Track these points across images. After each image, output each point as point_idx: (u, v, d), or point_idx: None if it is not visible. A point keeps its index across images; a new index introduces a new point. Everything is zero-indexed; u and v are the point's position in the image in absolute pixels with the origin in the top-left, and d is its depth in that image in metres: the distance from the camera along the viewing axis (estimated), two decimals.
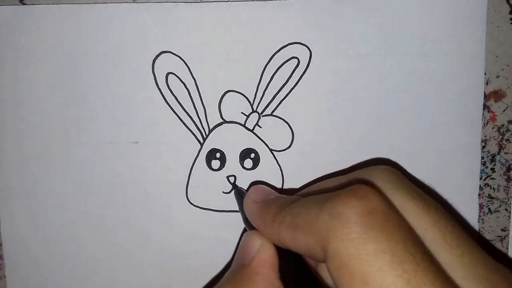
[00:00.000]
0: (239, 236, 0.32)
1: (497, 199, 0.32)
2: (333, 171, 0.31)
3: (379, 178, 0.22)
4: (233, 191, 0.31)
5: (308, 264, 0.22)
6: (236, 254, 0.24)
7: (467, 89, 0.31)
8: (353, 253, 0.17)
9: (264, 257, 0.22)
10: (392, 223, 0.18)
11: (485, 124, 0.31)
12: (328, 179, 0.26)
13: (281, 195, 0.25)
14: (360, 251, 0.17)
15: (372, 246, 0.17)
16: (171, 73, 0.30)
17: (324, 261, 0.19)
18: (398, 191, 0.21)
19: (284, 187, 0.31)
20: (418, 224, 0.20)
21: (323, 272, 0.23)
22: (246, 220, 0.26)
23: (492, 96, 0.31)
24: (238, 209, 0.32)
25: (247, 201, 0.25)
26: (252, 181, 0.31)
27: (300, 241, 0.20)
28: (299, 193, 0.27)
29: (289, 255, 0.22)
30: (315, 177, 0.31)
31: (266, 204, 0.23)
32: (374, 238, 0.17)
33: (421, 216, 0.20)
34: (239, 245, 0.24)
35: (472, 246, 0.20)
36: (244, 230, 0.27)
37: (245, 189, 0.31)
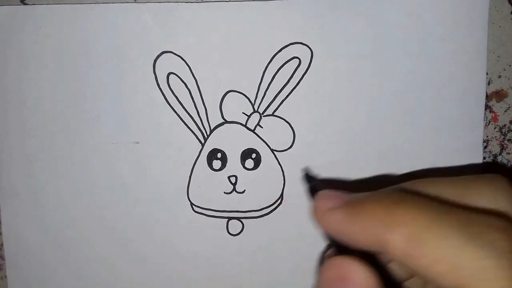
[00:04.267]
0: (239, 236, 0.32)
1: None
2: (334, 171, 0.31)
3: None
4: (307, 187, 0.24)
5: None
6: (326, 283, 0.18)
7: (468, 89, 0.31)
8: None
9: None
10: None
11: (487, 124, 0.31)
12: (437, 179, 0.21)
13: (367, 192, 0.20)
14: None
15: None
16: (172, 73, 0.30)
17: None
18: None
19: (285, 188, 0.31)
20: None
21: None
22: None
23: (494, 96, 0.31)
24: (239, 210, 0.32)
25: (319, 212, 0.19)
26: (253, 181, 0.31)
27: (425, 262, 0.16)
28: (382, 191, 0.20)
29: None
30: (317, 177, 0.31)
31: (358, 206, 0.18)
32: None
33: None
34: (331, 275, 0.18)
35: None
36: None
37: (244, 190, 0.31)
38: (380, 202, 0.18)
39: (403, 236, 0.16)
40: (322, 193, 0.20)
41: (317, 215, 0.20)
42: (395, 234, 0.17)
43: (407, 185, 0.21)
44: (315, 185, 0.24)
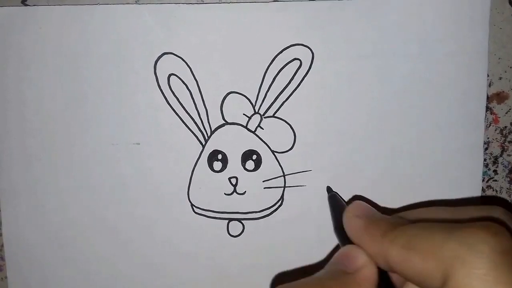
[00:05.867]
0: (239, 237, 0.32)
1: None
2: (335, 171, 0.31)
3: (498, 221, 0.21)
4: (328, 195, 0.28)
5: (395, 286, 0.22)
6: (336, 259, 0.23)
7: (469, 91, 0.31)
8: None
9: (368, 274, 0.21)
10: None
11: (488, 126, 0.31)
12: (437, 207, 0.25)
13: (386, 215, 0.24)
14: None
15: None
16: (173, 74, 0.30)
17: None
18: None
19: (285, 189, 0.31)
20: None
21: None
22: (338, 230, 0.25)
23: (495, 98, 0.31)
24: (239, 211, 0.32)
25: (348, 215, 0.24)
26: (254, 182, 0.31)
27: (414, 264, 0.19)
28: (400, 214, 0.25)
29: (381, 277, 0.22)
30: (318, 178, 0.31)
31: (373, 221, 0.23)
32: (504, 280, 0.17)
33: None
34: (341, 252, 0.23)
35: None
36: (336, 247, 0.26)
37: (244, 191, 0.31)
38: (388, 222, 0.22)
39: (398, 245, 0.20)
40: (357, 202, 0.25)
41: (346, 215, 0.24)
42: (393, 244, 0.20)
43: (413, 213, 0.25)
44: (335, 194, 0.28)
